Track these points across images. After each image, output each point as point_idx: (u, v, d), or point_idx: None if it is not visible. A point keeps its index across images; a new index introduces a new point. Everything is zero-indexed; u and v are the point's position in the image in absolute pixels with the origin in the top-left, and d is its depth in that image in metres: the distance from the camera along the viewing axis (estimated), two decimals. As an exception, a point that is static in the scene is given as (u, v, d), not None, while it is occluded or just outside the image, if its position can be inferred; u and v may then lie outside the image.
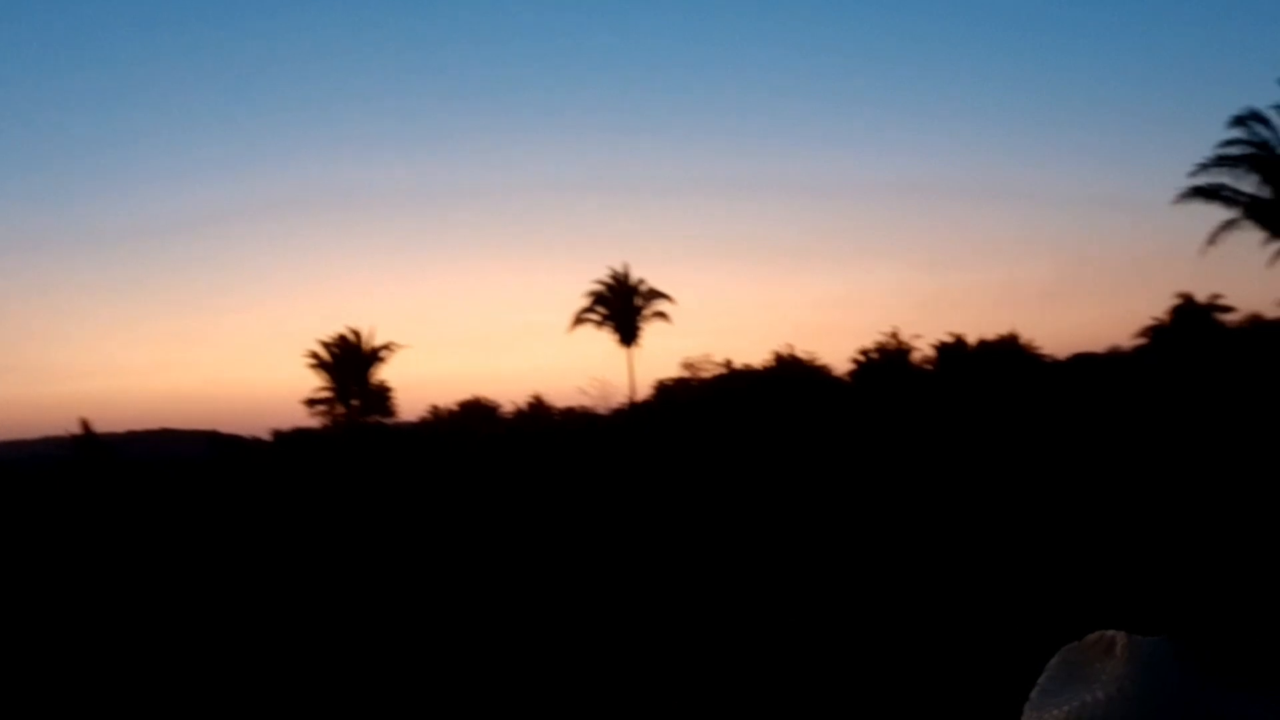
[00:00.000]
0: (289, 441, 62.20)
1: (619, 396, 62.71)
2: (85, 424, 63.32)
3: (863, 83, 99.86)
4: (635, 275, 68.06)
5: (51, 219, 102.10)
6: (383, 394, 68.93)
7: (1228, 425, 26.55)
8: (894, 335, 56.04)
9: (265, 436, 64.98)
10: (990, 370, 50.45)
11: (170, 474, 47.72)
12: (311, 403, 68.56)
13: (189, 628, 13.90)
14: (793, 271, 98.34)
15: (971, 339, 55.25)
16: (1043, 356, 54.58)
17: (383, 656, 11.53)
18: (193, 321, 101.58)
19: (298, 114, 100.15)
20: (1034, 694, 0.79)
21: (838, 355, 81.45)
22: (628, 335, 66.93)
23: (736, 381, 54.98)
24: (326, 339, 69.19)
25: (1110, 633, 0.77)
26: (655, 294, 67.85)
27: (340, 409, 68.39)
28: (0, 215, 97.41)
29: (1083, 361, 53.59)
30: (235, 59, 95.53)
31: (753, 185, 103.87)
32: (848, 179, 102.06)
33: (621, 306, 67.28)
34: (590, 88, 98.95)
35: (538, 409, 61.80)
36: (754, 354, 63.06)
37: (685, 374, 58.21)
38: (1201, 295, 52.02)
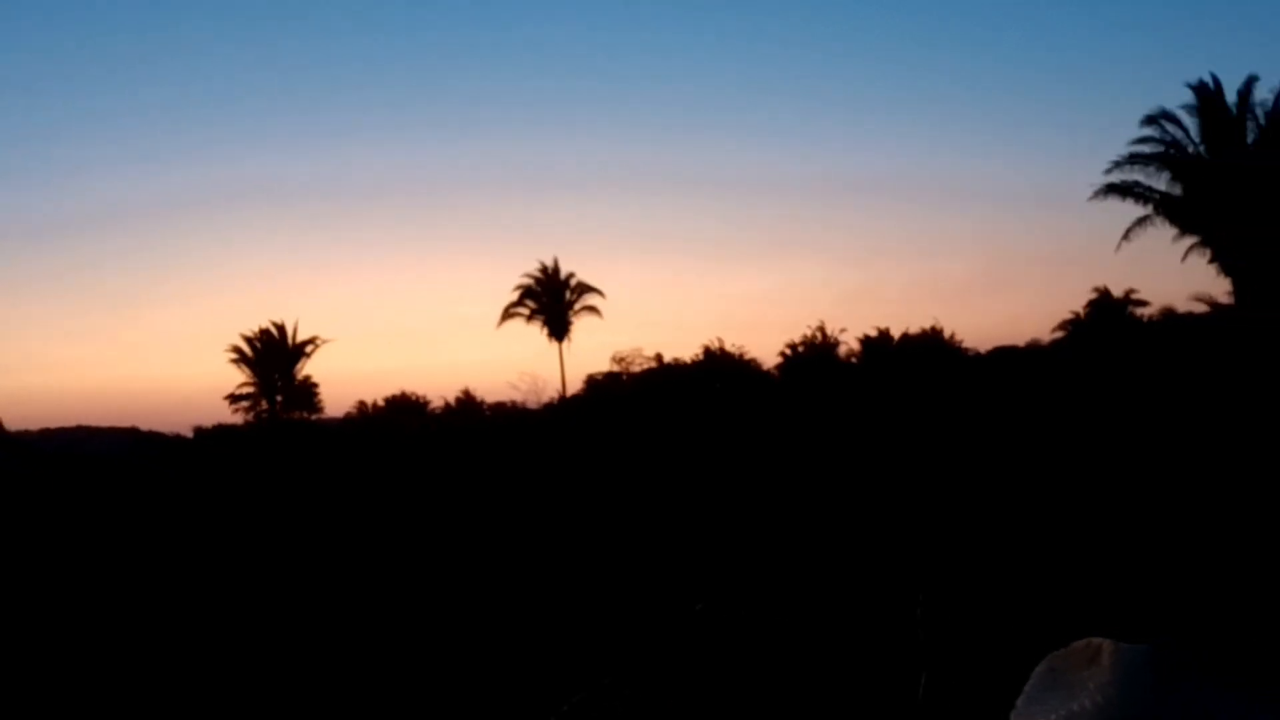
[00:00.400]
0: (210, 438, 60.91)
1: (550, 391, 62.59)
2: (-4, 421, 61.42)
3: (789, 78, 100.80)
4: (565, 269, 68.00)
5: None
6: (308, 390, 67.99)
7: (1142, 418, 27.31)
8: (820, 329, 56.79)
9: (186, 433, 63.51)
10: (914, 363, 51.33)
11: (88, 471, 46.46)
12: (234, 399, 67.39)
13: (105, 625, 13.58)
14: (722, 265, 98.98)
15: (896, 332, 56.22)
16: (965, 350, 55.70)
17: (300, 651, 11.39)
18: (112, 317, 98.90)
19: (221, 107, 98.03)
20: (1020, 701, 0.78)
21: (766, 349, 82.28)
22: (558, 330, 66.85)
23: (667, 376, 55.21)
24: (249, 333, 68.04)
25: (1096, 640, 0.78)
26: (585, 288, 67.88)
27: (264, 405, 67.28)
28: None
29: (1003, 354, 54.72)
30: (153, 50, 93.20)
31: (682, 179, 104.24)
32: (774, 174, 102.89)
33: (551, 301, 67.19)
34: (519, 81, 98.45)
35: (467, 404, 61.39)
36: (684, 348, 63.48)
37: (616, 368, 58.33)
38: (1118, 289, 53.62)
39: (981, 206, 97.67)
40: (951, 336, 55.41)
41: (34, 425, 71.44)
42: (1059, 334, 55.08)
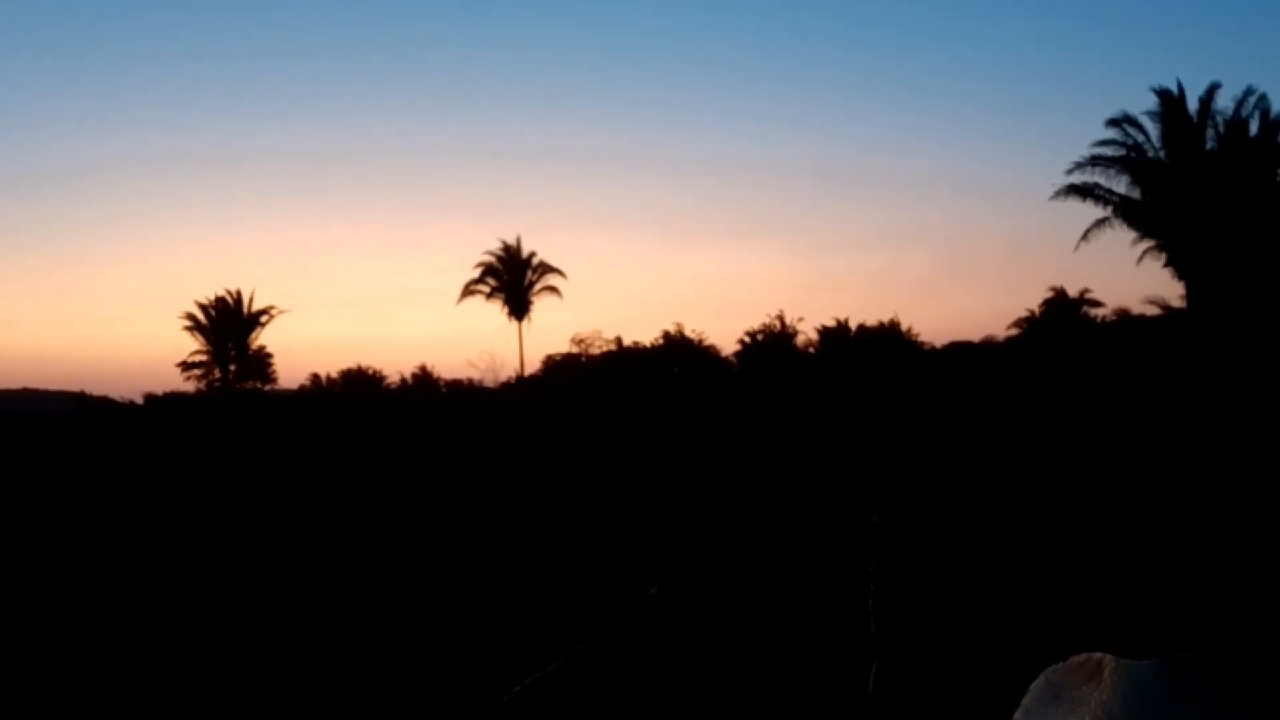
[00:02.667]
0: (160, 405, 60.04)
1: (508, 370, 62.40)
2: (-61, 381, 60.20)
3: (757, 62, 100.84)
4: (528, 248, 67.70)
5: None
6: (262, 359, 67.28)
7: (1092, 418, 27.72)
8: (779, 318, 57.01)
9: (137, 399, 62.57)
10: (871, 356, 51.69)
11: (31, 433, 45.62)
12: (186, 366, 66.53)
13: (41, 597, 13.37)
14: (684, 248, 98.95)
15: (854, 324, 56.56)
16: (921, 344, 56.18)
17: (244, 627, 11.27)
18: (60, 277, 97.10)
19: (180, 69, 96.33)
20: (1017, 715, 0.77)
21: (726, 335, 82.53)
22: (518, 309, 66.63)
23: (626, 359, 55.18)
24: (204, 300, 67.15)
25: (1097, 655, 0.76)
26: (547, 268, 67.66)
27: (217, 374, 66.48)
28: None
29: (958, 350, 55.27)
30: (111, 6, 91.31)
31: (645, 161, 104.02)
32: (740, 157, 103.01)
33: (512, 279, 66.91)
34: (484, 54, 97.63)
35: (423, 380, 61.01)
36: (645, 332, 63.52)
37: (575, 350, 58.22)
38: (1074, 289, 54.31)
39: (944, 200, 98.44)
40: (909, 330, 55.85)
41: (-23, 385, 70.14)
42: (1014, 331, 55.74)
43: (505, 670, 9.75)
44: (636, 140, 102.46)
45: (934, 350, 55.98)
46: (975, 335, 58.64)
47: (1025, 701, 0.77)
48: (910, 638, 9.80)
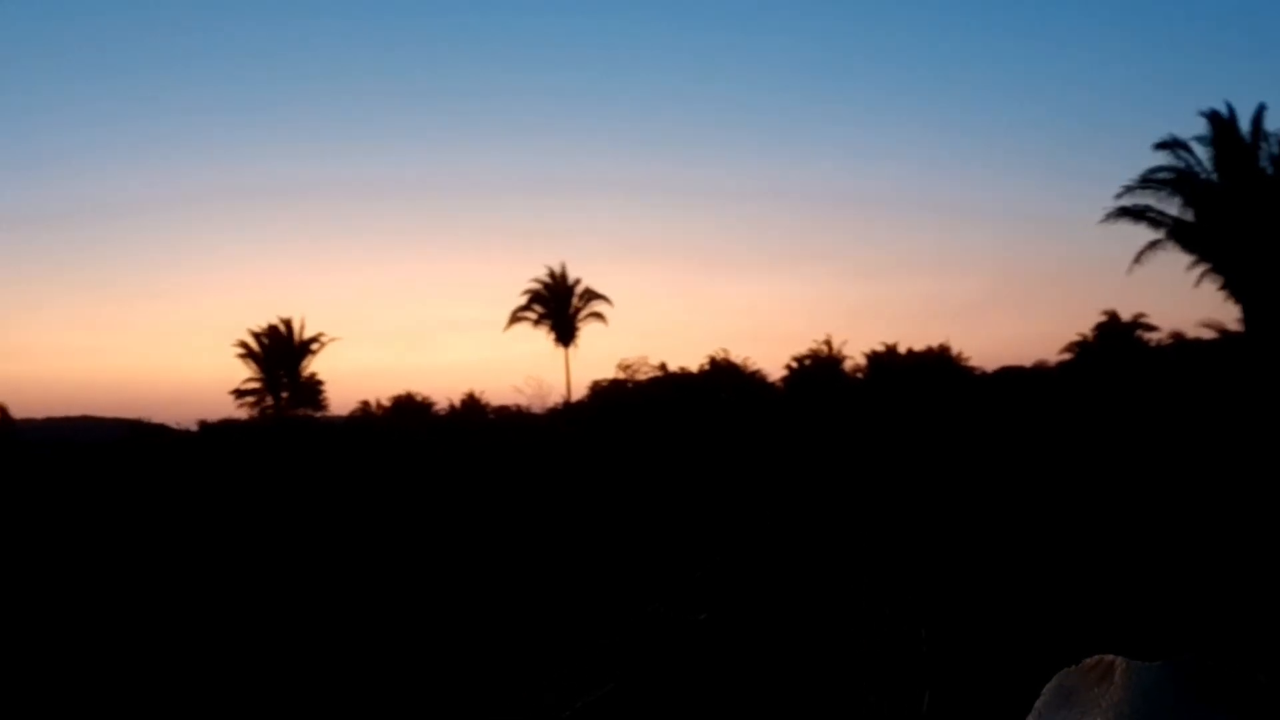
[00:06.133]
0: (215, 432, 60.96)
1: (554, 396, 62.59)
2: (2, 408, 61.60)
3: (803, 90, 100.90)
4: (573, 275, 68.05)
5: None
6: (313, 387, 68.05)
7: (1148, 443, 27.24)
8: (827, 343, 56.73)
9: (191, 427, 63.62)
10: (920, 381, 51.24)
11: (89, 461, 46.52)
12: (240, 394, 67.47)
13: (101, 618, 13.58)
14: (730, 275, 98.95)
15: (903, 349, 56.14)
16: (971, 368, 55.61)
17: (297, 651, 11.36)
18: (118, 308, 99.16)
19: (234, 104, 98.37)
20: (1030, 718, 0.78)
21: (772, 361, 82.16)
22: (564, 335, 66.88)
23: (672, 385, 55.16)
24: (256, 329, 68.12)
25: (1109, 658, 0.76)
26: (592, 295, 67.91)
27: (269, 401, 67.35)
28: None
29: (1009, 375, 54.63)
30: (166, 43, 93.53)
31: (691, 189, 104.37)
32: (785, 184, 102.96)
33: (558, 306, 67.21)
34: (530, 86, 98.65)
35: (472, 407, 61.38)
36: (690, 358, 63.24)
37: (621, 375, 58.30)
38: (1126, 313, 53.49)
39: (992, 225, 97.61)
40: (958, 355, 55.33)
41: (39, 414, 71.72)
42: (1066, 356, 54.96)
43: (541, 694, 9.78)
44: (681, 169, 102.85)
45: (984, 375, 55.39)
46: (1026, 360, 57.95)
47: (1038, 704, 0.78)
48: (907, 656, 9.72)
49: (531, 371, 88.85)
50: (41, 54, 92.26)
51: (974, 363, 55.70)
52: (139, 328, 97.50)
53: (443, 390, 79.02)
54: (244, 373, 67.70)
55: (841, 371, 56.21)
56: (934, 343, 55.45)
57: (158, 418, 60.94)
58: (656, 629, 11.24)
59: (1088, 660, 0.78)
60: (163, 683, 10.52)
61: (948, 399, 46.95)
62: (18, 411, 62.89)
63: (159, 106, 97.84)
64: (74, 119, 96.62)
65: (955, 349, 55.41)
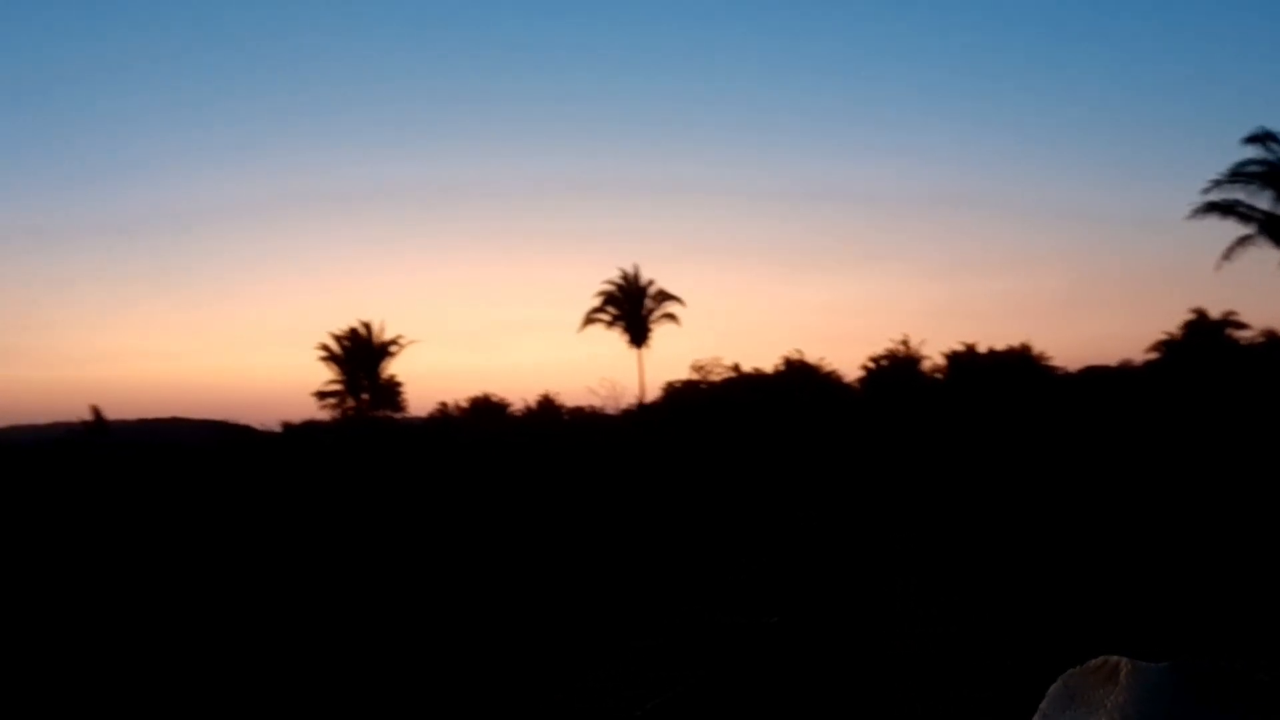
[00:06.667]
0: (298, 433, 62.32)
1: (628, 397, 62.77)
2: (96, 410, 63.67)
3: (881, 89, 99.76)
4: (645, 276, 68.13)
5: (70, 207, 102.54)
6: (392, 388, 69.04)
7: (1239, 442, 26.43)
8: (904, 342, 56.00)
9: (275, 428, 65.14)
10: (1000, 380, 50.33)
11: (178, 462, 47.86)
12: (321, 395, 68.73)
13: (191, 617, 13.95)
14: (804, 276, 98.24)
15: (983, 348, 55.20)
16: (1053, 368, 54.47)
17: (382, 650, 11.55)
18: (206, 313, 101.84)
19: (314, 109, 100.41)
20: (1035, 719, 0.78)
21: (848, 361, 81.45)
22: (637, 336, 66.94)
23: (745, 385, 54.96)
24: (337, 332, 69.32)
25: (1114, 658, 0.75)
26: (665, 296, 67.87)
27: (350, 402, 68.53)
28: (20, 202, 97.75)
29: (1094, 374, 53.43)
30: (249, 53, 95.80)
31: (765, 189, 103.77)
32: (861, 184, 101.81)
33: (631, 307, 67.29)
34: (605, 88, 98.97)
35: (547, 407, 61.83)
36: (764, 358, 62.98)
37: (694, 376, 58.24)
38: (1215, 311, 51.90)
39: (1074, 222, 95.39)
40: (1040, 354, 54.22)
41: (132, 415, 74.06)
42: (1153, 355, 53.52)
43: (616, 694, 9.84)
44: (755, 170, 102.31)
45: (1068, 374, 54.23)
46: (1111, 359, 56.56)
47: (1043, 705, 0.78)
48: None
49: (605, 373, 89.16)
50: (129, 69, 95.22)
51: (1057, 362, 54.54)
52: (226, 331, 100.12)
53: (518, 391, 79.80)
54: (326, 375, 69.01)
55: (920, 371, 55.46)
56: (1015, 342, 54.40)
57: (243, 419, 62.59)
58: (726, 632, 11.22)
59: (1092, 661, 0.78)
60: (252, 675, 10.78)
61: (1029, 398, 46.06)
62: (111, 413, 64.98)
63: (244, 115, 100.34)
64: (163, 132, 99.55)
65: (1037, 348, 54.29)
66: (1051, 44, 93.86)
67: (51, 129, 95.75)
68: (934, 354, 56.29)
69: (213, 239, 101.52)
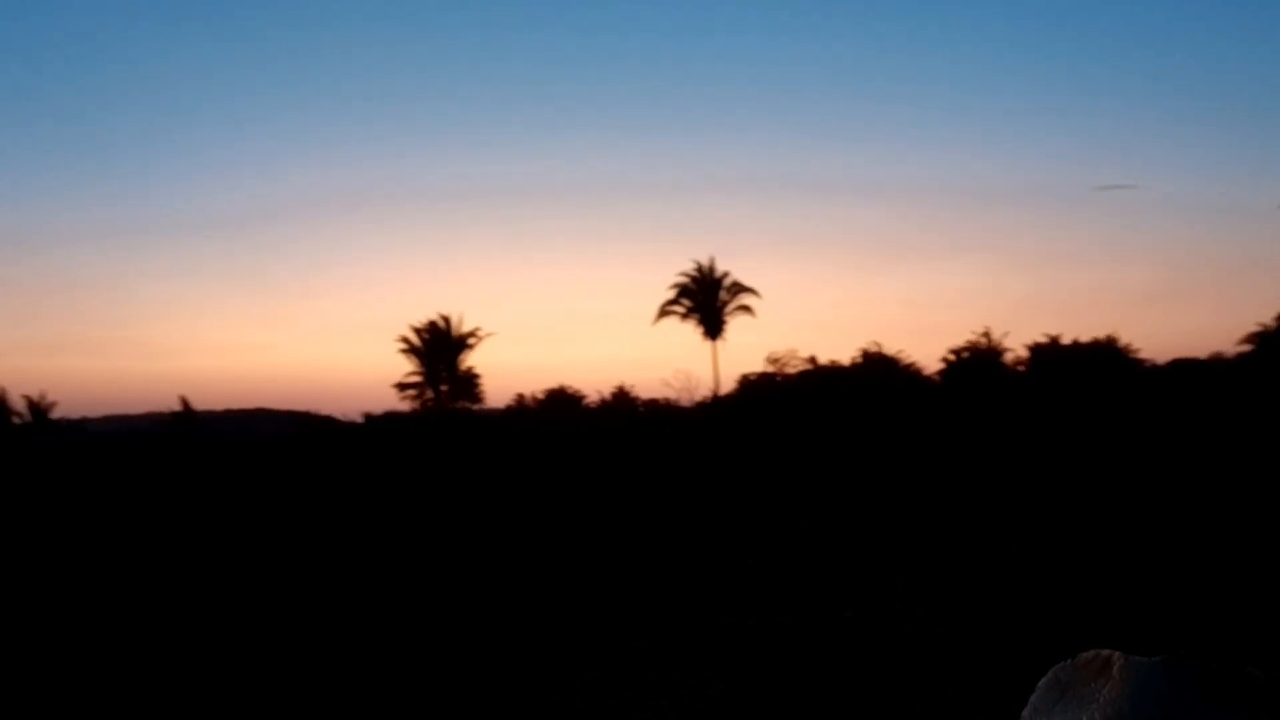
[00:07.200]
0: (379, 424, 63.38)
1: (703, 390, 62.62)
2: (185, 401, 65.47)
3: (960, 81, 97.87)
4: (721, 269, 67.86)
5: (160, 203, 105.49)
6: (471, 380, 69.79)
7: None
8: (985, 335, 54.96)
9: (357, 419, 66.35)
10: (1085, 373, 49.15)
11: (264, 453, 49.01)
12: (402, 387, 69.75)
13: (276, 604, 14.26)
14: (882, 269, 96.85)
15: (1067, 340, 53.93)
16: (1141, 361, 53.04)
17: (457, 640, 11.67)
18: (290, 306, 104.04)
19: (401, 108, 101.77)
20: (1025, 713, 0.77)
21: (928, 354, 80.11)
22: (712, 328, 66.71)
23: (822, 378, 54.45)
24: (417, 325, 70.24)
25: (1105, 652, 0.75)
26: (740, 288, 67.55)
27: (429, 394, 69.45)
28: (111, 198, 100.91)
29: (1183, 367, 51.92)
30: (330, 49, 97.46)
31: (842, 181, 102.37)
32: (939, 175, 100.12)
33: (706, 300, 67.08)
34: (681, 83, 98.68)
35: (622, 400, 61.98)
36: (841, 351, 62.35)
37: (770, 369, 57.85)
38: (1313, 301, 50.04)
39: (1161, 212, 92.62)
40: (1127, 346, 52.82)
41: (219, 406, 76.05)
42: (1245, 347, 51.82)
43: (704, 684, 9.82)
44: (832, 161, 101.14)
45: (1155, 367, 52.77)
46: (1201, 352, 54.88)
47: (1033, 699, 0.77)
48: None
49: (680, 365, 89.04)
50: (224, 69, 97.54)
51: (1144, 354, 53.07)
52: (309, 324, 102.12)
53: (593, 383, 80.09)
54: (406, 367, 70.01)
55: (1001, 364, 54.40)
56: (1100, 334, 53.04)
57: (325, 410, 63.82)
58: (766, 634, 11.16)
59: (1084, 654, 0.77)
60: (341, 660, 10.98)
61: (1114, 391, 44.91)
62: (198, 404, 66.79)
63: (334, 115, 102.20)
64: (253, 129, 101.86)
65: (1124, 340, 52.89)
66: (1141, 28, 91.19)
67: (147, 127, 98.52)
68: (1017, 346, 55.18)
69: (296, 235, 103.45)
